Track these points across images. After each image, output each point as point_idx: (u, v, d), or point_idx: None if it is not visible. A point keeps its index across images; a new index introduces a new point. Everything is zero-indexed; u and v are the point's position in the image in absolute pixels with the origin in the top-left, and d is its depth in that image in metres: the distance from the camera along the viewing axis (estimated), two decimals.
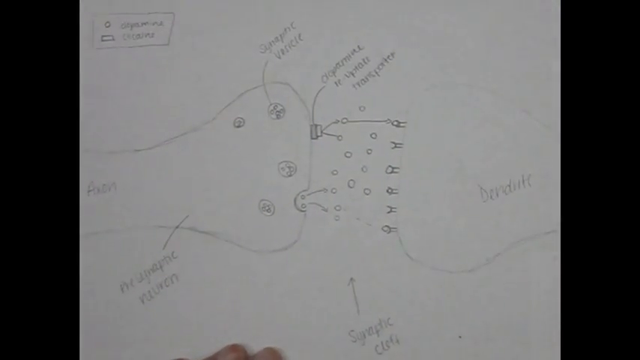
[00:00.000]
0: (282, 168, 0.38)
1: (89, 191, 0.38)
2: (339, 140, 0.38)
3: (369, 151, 0.37)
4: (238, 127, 0.38)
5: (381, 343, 0.36)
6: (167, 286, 0.37)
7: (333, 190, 0.37)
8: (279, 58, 0.38)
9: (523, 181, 0.36)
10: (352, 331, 0.36)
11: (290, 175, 0.38)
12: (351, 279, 0.37)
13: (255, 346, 0.36)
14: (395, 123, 0.37)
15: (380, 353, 0.36)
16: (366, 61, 0.38)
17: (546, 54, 0.33)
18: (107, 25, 0.39)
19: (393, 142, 0.37)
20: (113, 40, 0.39)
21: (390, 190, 0.37)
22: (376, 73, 0.38)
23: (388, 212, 0.37)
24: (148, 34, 0.39)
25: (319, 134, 0.38)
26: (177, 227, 0.37)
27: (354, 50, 0.38)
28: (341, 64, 0.38)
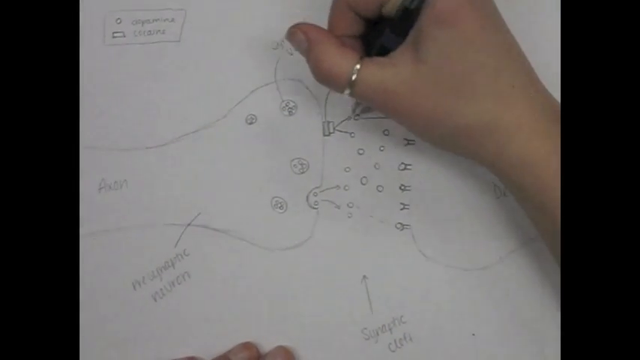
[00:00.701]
0: (294, 165, 0.37)
1: (100, 189, 0.38)
2: (352, 137, 0.37)
3: (382, 148, 0.37)
4: (250, 124, 0.38)
5: (394, 341, 0.36)
6: (179, 283, 0.37)
7: (346, 188, 0.37)
8: (292, 54, 0.38)
9: None
10: (365, 328, 0.36)
11: (302, 172, 0.37)
12: (364, 277, 0.36)
13: (267, 345, 0.36)
14: None
15: (393, 351, 0.36)
16: None
17: (546, 54, 0.33)
18: (118, 21, 0.39)
19: (406, 139, 0.37)
20: (124, 36, 0.39)
21: (403, 187, 0.37)
22: None
23: (401, 209, 0.37)
24: (159, 30, 0.39)
25: (332, 131, 0.38)
26: (189, 225, 0.37)
27: None
28: None
